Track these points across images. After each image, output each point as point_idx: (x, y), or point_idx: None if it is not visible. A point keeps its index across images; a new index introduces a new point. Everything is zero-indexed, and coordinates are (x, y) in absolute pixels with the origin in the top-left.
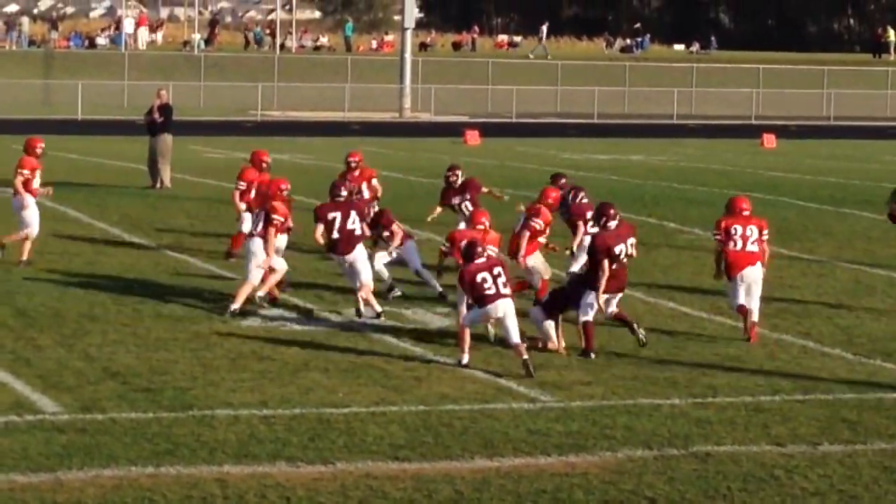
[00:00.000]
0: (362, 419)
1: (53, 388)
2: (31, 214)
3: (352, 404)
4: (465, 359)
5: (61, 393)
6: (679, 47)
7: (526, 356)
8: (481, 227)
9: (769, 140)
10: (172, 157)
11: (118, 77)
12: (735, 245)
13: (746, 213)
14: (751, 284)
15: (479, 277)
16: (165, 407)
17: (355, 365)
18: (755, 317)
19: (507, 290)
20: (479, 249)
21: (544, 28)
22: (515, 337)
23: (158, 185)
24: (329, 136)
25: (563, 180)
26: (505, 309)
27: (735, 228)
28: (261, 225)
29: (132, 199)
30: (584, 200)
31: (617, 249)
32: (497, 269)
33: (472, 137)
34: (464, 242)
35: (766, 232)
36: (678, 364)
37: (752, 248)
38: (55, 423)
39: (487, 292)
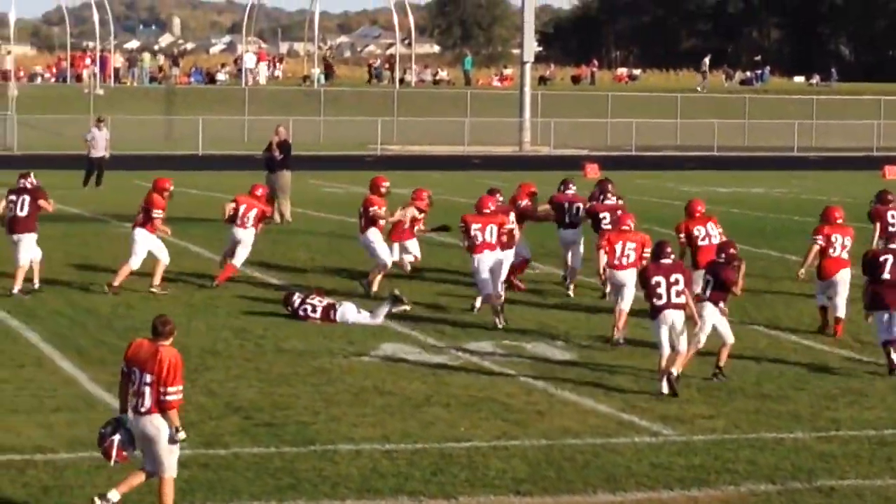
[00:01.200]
0: (484, 453)
1: None
2: (157, 246)
3: (473, 439)
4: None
5: (184, 428)
6: (799, 79)
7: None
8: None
9: (891, 171)
10: (292, 192)
11: (238, 112)
12: (833, 251)
13: (839, 221)
14: (838, 284)
15: (653, 280)
16: (288, 442)
17: (476, 399)
18: (841, 313)
19: (680, 300)
20: (668, 250)
21: (706, 61)
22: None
23: (279, 219)
24: (449, 170)
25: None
26: (673, 318)
27: (835, 237)
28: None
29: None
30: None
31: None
32: (675, 276)
33: (592, 170)
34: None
35: (852, 241)
36: (801, 397)
37: (844, 255)
38: (179, 459)
39: (656, 302)
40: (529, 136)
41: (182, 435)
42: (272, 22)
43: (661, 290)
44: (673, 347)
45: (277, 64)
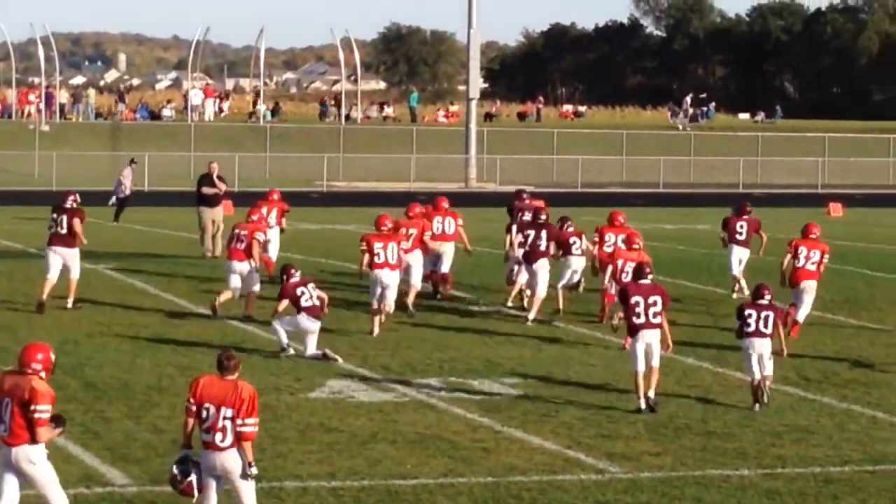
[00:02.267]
0: (431, 491)
1: (122, 460)
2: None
3: (420, 476)
4: None
5: (130, 465)
6: (744, 116)
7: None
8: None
9: (836, 209)
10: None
11: (184, 148)
12: (799, 262)
13: (813, 236)
14: (803, 292)
15: (633, 300)
16: None
17: (423, 436)
18: (800, 318)
19: (657, 321)
20: (647, 271)
21: (688, 99)
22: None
23: (209, 254)
24: (395, 206)
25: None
26: (650, 338)
27: (802, 249)
28: None
29: (200, 270)
30: (570, 229)
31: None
32: (653, 298)
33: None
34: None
35: (826, 256)
36: (747, 434)
37: (810, 266)
38: (124, 496)
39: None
40: (475, 173)
41: (254, 470)
42: (218, 58)
43: (640, 309)
44: (647, 365)
45: (224, 100)
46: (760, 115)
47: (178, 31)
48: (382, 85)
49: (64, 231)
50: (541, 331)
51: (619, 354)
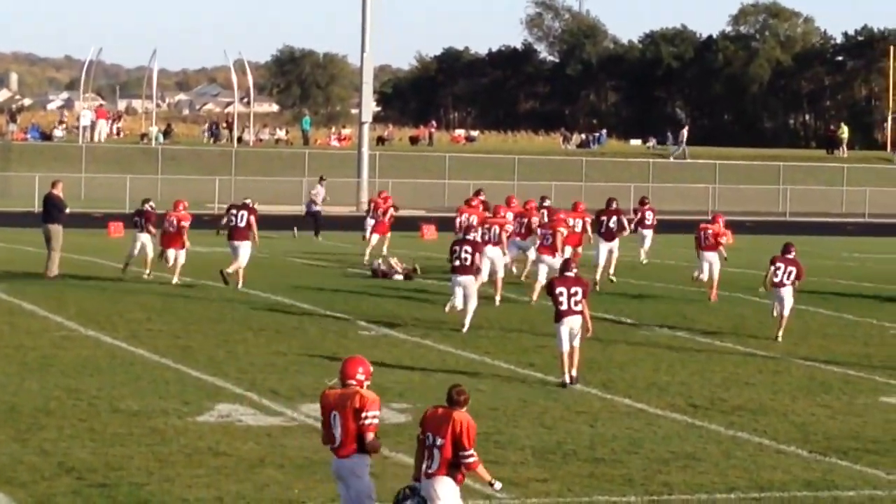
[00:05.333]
0: None
1: (7, 484)
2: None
3: (307, 501)
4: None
5: (16, 489)
6: (636, 142)
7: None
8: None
9: (728, 236)
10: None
11: (76, 169)
12: (777, 277)
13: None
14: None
15: (557, 290)
16: (121, 503)
17: (311, 461)
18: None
19: (578, 308)
20: (572, 265)
21: (685, 132)
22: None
23: (53, 274)
24: (286, 230)
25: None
26: (572, 323)
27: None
28: None
29: (89, 292)
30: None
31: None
32: (575, 289)
33: (429, 231)
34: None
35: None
36: (634, 461)
37: (786, 279)
38: None
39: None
40: (367, 197)
41: (498, 485)
42: (111, 79)
43: (563, 298)
44: (569, 346)
45: (116, 121)
46: (652, 142)
47: (71, 51)
48: (275, 107)
49: (243, 224)
50: (430, 356)
51: (507, 380)
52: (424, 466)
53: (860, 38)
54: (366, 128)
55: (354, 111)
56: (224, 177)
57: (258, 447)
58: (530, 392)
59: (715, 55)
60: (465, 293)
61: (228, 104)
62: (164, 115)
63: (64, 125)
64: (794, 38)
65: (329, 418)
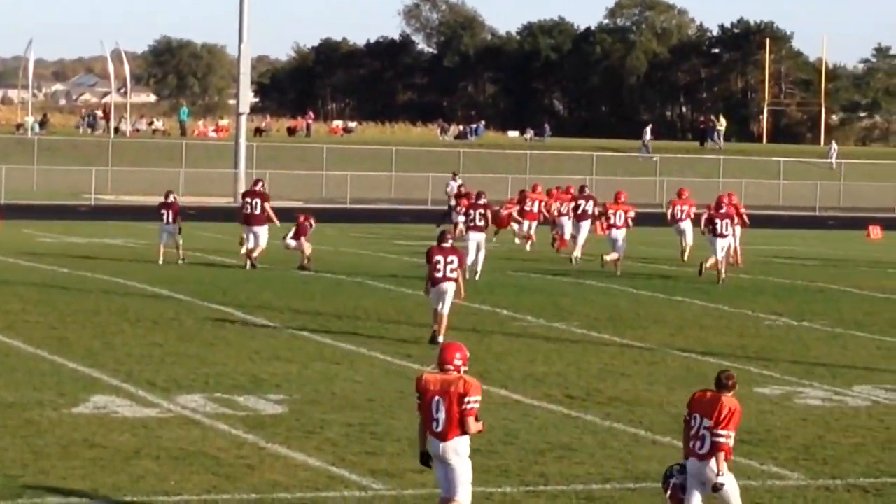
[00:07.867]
0: None
1: None
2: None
3: (183, 492)
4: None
5: None
6: (514, 134)
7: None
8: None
9: (602, 226)
10: (4, 240)
11: None
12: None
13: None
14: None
15: (435, 258)
16: None
17: (187, 453)
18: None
19: (453, 276)
20: (448, 237)
21: (648, 129)
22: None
23: None
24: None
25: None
26: (446, 288)
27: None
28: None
29: None
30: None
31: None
32: (451, 258)
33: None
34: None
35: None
36: (510, 452)
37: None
38: None
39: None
40: (244, 187)
41: (722, 479)
42: None
43: (441, 266)
44: (439, 310)
45: None
46: (529, 133)
47: None
48: (153, 98)
49: (258, 211)
50: (308, 347)
51: (384, 371)
52: (696, 447)
53: (736, 31)
54: (243, 118)
55: (232, 102)
56: (101, 167)
57: (134, 439)
58: (407, 384)
59: (592, 47)
60: (478, 247)
61: (105, 94)
62: (40, 105)
63: None
64: (670, 30)
65: (431, 403)
